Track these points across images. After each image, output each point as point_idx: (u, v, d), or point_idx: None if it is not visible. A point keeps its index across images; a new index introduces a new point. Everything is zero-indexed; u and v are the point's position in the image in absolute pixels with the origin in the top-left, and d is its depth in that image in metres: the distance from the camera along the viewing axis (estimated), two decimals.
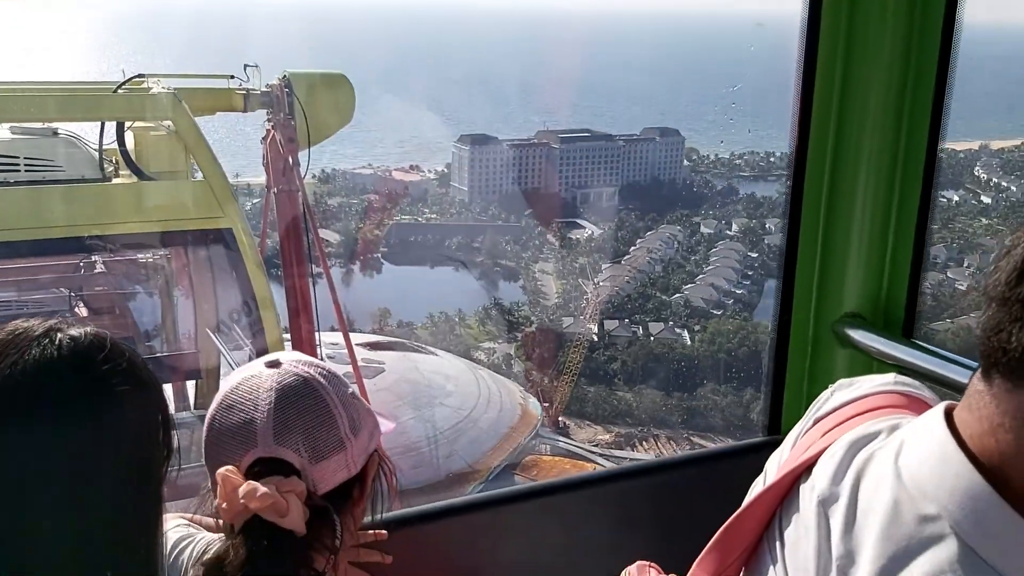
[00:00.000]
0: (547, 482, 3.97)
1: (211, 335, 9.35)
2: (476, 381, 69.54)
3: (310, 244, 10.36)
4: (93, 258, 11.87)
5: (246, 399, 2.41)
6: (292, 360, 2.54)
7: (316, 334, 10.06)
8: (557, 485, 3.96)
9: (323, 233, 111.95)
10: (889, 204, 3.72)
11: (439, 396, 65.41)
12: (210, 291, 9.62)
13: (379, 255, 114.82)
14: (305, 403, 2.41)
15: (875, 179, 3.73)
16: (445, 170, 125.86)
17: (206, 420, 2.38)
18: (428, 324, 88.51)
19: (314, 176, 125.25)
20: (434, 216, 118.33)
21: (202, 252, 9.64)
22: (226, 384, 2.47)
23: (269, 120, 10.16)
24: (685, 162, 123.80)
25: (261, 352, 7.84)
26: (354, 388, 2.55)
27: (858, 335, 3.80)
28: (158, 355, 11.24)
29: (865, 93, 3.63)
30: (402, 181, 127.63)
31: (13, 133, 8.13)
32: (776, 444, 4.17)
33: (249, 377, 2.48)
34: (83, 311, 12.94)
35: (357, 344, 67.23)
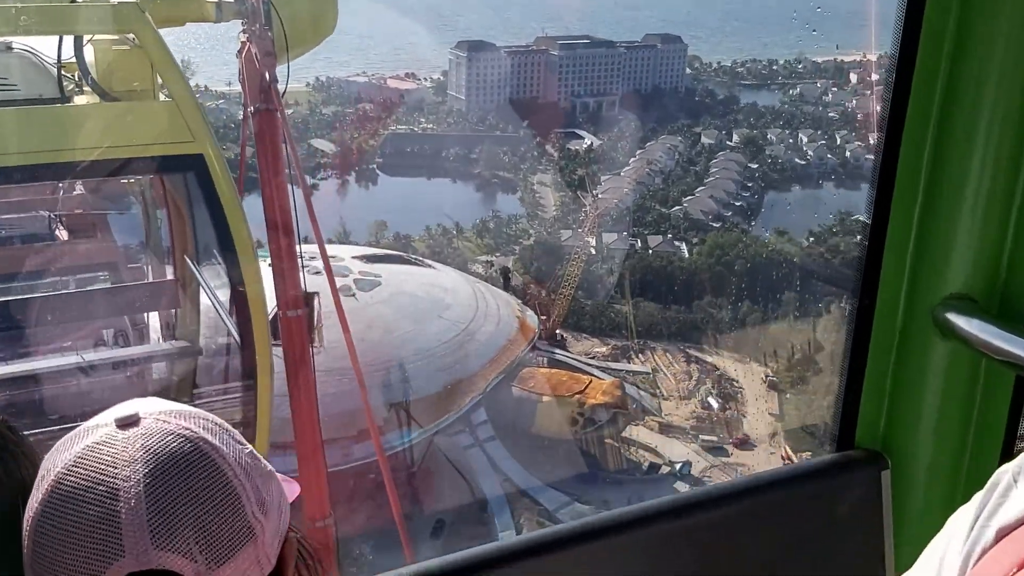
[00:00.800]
0: (601, 520, 3.22)
1: (189, 262, 8.85)
2: (474, 294, 69.57)
3: (289, 163, 9.77)
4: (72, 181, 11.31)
5: (97, 482, 1.55)
6: (157, 412, 1.66)
7: (296, 247, 9.57)
8: (604, 526, 3.19)
9: (317, 143, 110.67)
10: (1017, 164, 2.99)
11: (437, 309, 65.44)
12: (183, 219, 9.10)
13: (375, 166, 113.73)
14: (193, 478, 1.59)
15: (997, 134, 2.99)
16: (442, 78, 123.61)
17: (27, 518, 1.57)
18: (425, 236, 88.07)
19: (308, 84, 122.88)
20: (431, 126, 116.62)
21: (172, 179, 9.04)
22: (55, 459, 1.62)
23: (244, 32, 9.42)
24: (687, 70, 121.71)
25: (236, 285, 7.32)
26: (250, 447, 1.79)
27: (965, 322, 3.04)
28: (140, 282, 10.74)
29: (989, 32, 2.91)
30: (397, 89, 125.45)
31: None
32: (852, 464, 3.34)
33: (95, 446, 1.60)
34: (63, 234, 12.39)
35: (353, 257, 67.06)
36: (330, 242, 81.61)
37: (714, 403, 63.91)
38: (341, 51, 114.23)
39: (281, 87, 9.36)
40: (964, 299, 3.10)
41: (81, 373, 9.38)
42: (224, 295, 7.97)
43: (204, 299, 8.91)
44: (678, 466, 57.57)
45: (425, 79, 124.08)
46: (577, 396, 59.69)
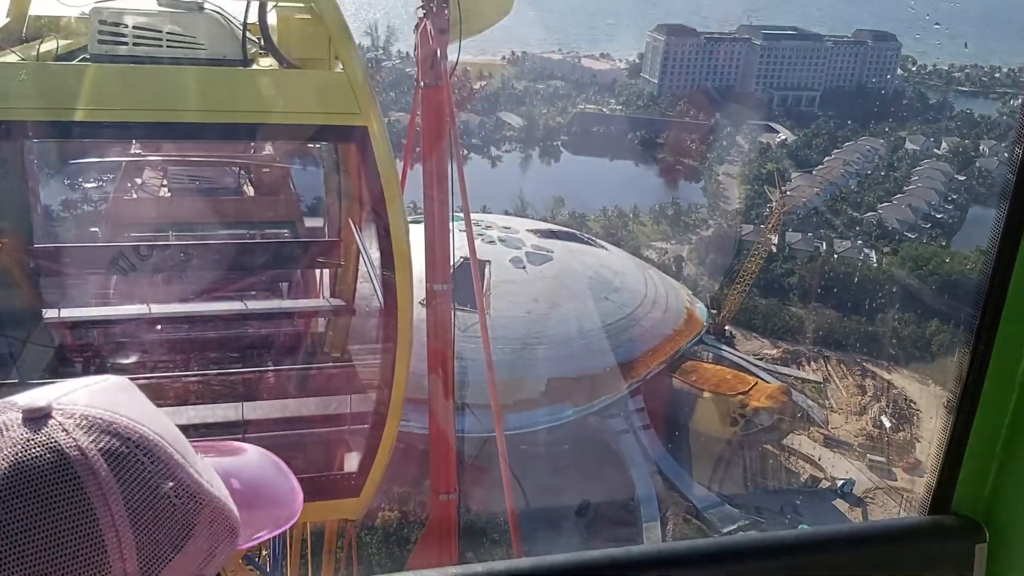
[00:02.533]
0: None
1: (352, 226, 9.27)
2: (644, 280, 68.88)
3: (452, 137, 9.91)
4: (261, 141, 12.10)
5: None
6: (70, 415, 1.45)
7: (449, 222, 9.71)
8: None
9: (506, 116, 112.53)
10: None
11: (605, 290, 65.32)
12: (348, 185, 9.53)
13: (559, 143, 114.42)
14: (48, 514, 1.36)
15: None
16: (637, 60, 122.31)
17: None
18: (600, 217, 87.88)
19: (503, 58, 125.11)
20: (620, 107, 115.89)
21: (338, 147, 9.46)
22: None
23: (422, 7, 9.56)
24: (899, 71, 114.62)
25: (387, 255, 7.56)
26: (196, 476, 1.53)
27: None
28: (309, 239, 11.41)
29: None
30: (590, 69, 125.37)
31: (160, 5, 8.03)
32: (944, 531, 2.83)
33: None
34: (250, 190, 13.25)
35: (528, 230, 67.96)
36: (506, 214, 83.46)
37: (887, 422, 60.48)
38: (539, 28, 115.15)
39: (453, 62, 9.51)
40: None
41: (244, 319, 10.07)
42: (378, 262, 8.28)
43: (362, 263, 9.33)
44: (840, 483, 54.99)
45: (620, 60, 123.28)
46: (740, 396, 58.10)
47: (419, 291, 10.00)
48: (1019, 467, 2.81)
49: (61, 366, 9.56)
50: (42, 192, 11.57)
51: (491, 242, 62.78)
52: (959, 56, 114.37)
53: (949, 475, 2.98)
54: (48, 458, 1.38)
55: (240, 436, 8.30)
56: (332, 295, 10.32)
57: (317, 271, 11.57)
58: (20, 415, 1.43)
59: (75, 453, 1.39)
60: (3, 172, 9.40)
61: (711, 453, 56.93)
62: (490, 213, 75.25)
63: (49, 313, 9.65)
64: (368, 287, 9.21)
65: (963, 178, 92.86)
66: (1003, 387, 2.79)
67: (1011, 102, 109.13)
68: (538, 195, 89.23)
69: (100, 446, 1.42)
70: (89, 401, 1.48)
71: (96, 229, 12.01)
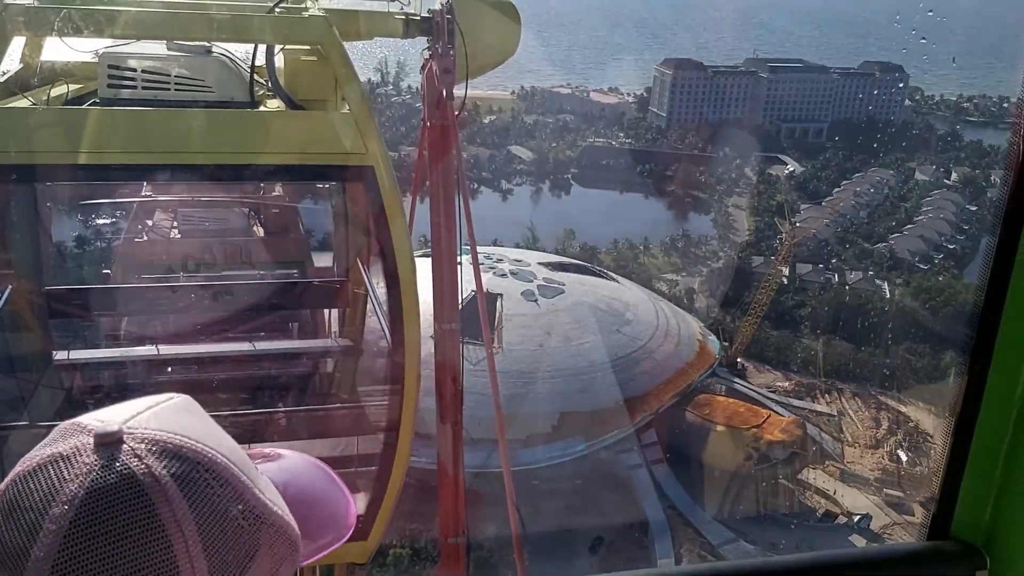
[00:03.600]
0: None
1: (360, 266, 9.32)
2: (655, 312, 68.77)
3: (459, 178, 10.01)
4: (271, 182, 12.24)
5: (28, 508, 1.40)
6: (142, 438, 1.46)
7: (457, 264, 9.76)
8: None
9: (516, 150, 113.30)
10: None
11: (616, 323, 65.24)
12: (355, 225, 9.61)
13: (569, 175, 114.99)
14: (126, 542, 1.36)
15: None
16: (644, 94, 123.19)
17: None
18: (611, 249, 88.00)
19: (513, 92, 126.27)
20: (629, 140, 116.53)
21: (344, 187, 9.54)
22: (31, 453, 1.49)
23: (428, 48, 9.71)
24: (906, 102, 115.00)
25: (394, 295, 7.57)
26: (259, 498, 1.54)
27: None
28: (316, 280, 11.48)
29: None
30: (599, 102, 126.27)
31: (168, 49, 8.14)
32: (943, 556, 2.78)
33: (54, 460, 1.44)
34: (260, 231, 13.35)
35: (539, 263, 68.09)
36: (517, 247, 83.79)
37: (903, 455, 59.82)
38: (547, 63, 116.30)
39: (460, 102, 9.60)
40: None
41: (253, 361, 10.07)
42: (385, 303, 8.29)
43: (370, 303, 9.35)
44: (856, 518, 54.28)
45: (628, 94, 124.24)
46: (754, 430, 57.61)
47: (430, 327, 10.07)
48: (1018, 491, 2.76)
49: (71, 408, 9.57)
50: (54, 234, 11.67)
51: (503, 275, 62.88)
52: (967, 87, 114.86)
53: (948, 499, 2.94)
54: (123, 486, 1.38)
55: None
56: (340, 335, 10.33)
57: (325, 311, 11.57)
58: (92, 439, 1.43)
59: (149, 480, 1.40)
60: (15, 215, 9.49)
61: (725, 488, 56.36)
62: (501, 246, 75.48)
63: (59, 355, 9.67)
64: (377, 327, 9.22)
65: (974, 208, 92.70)
66: (1000, 410, 2.75)
67: (1021, 131, 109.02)
68: (549, 228, 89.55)
69: (172, 471, 1.42)
70: (158, 424, 1.49)
71: (108, 271, 12.08)
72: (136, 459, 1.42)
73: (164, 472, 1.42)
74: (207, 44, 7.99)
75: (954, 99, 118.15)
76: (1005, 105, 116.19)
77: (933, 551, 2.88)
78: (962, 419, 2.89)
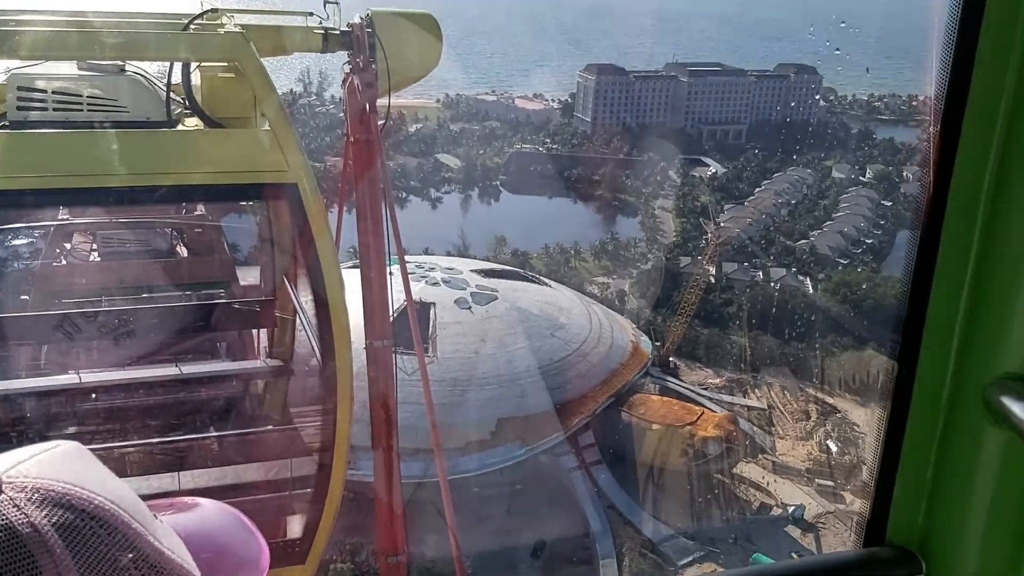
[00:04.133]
0: None
1: (287, 284, 9.13)
2: (588, 315, 69.30)
3: (385, 192, 9.90)
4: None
5: None
6: (22, 488, 1.38)
7: (388, 279, 9.66)
8: None
9: (444, 158, 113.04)
10: None
11: (550, 328, 65.50)
12: (281, 242, 9.41)
13: (498, 182, 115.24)
14: None
15: None
16: (569, 99, 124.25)
17: None
18: (543, 254, 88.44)
19: (438, 100, 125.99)
20: (555, 146, 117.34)
21: (268, 205, 9.35)
22: None
23: (348, 63, 9.62)
24: (821, 102, 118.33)
25: (323, 312, 7.44)
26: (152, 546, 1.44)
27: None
28: (243, 300, 11.16)
29: None
30: (524, 109, 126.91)
31: (79, 69, 7.86)
32: (880, 563, 2.75)
33: None
34: (183, 251, 12.99)
35: (472, 271, 68.01)
36: (449, 255, 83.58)
37: (832, 446, 61.34)
38: (471, 71, 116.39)
39: (383, 116, 9.52)
40: (1021, 380, 2.52)
41: (179, 385, 9.82)
42: (314, 319, 8.17)
43: (299, 322, 9.21)
44: (791, 509, 55.45)
45: (552, 100, 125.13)
46: (688, 427, 58.41)
47: (362, 341, 9.95)
48: (950, 494, 2.75)
49: None
50: None
51: (435, 284, 62.63)
52: (878, 87, 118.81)
53: (881, 505, 2.90)
54: (1, 537, 1.30)
55: None
56: (270, 355, 10.14)
57: (254, 331, 11.35)
58: None
59: (28, 531, 1.31)
60: None
61: (663, 485, 57.02)
62: (433, 255, 75.15)
63: None
64: (307, 346, 9.08)
65: (889, 203, 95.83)
66: (929, 413, 2.72)
67: (930, 128, 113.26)
68: (480, 235, 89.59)
69: (54, 521, 1.34)
70: (40, 472, 1.40)
71: (25, 297, 11.62)
72: (15, 509, 1.33)
73: (45, 522, 1.33)
74: (120, 63, 7.78)
75: (866, 98, 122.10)
76: (914, 103, 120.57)
77: (869, 558, 2.87)
78: (892, 424, 2.85)
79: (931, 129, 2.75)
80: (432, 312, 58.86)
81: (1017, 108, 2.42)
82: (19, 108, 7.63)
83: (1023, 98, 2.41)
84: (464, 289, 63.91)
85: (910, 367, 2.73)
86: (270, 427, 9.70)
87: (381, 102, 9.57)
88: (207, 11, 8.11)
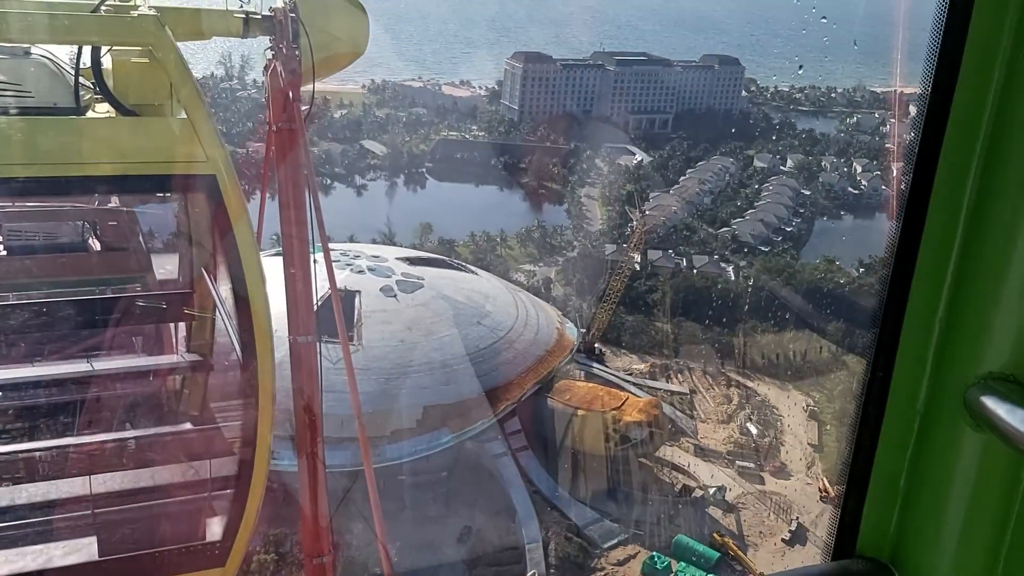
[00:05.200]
0: None
1: (206, 277, 8.78)
2: (515, 303, 69.41)
3: (309, 181, 9.59)
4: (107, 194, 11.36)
5: None
6: None
7: (312, 275, 9.43)
8: None
9: (369, 144, 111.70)
10: None
11: (477, 315, 65.38)
12: (199, 234, 9.05)
13: (424, 170, 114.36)
14: None
15: None
16: (496, 87, 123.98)
17: None
18: (469, 242, 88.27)
19: (364, 86, 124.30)
20: (482, 134, 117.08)
21: (185, 197, 8.94)
22: None
23: (271, 49, 9.26)
24: (743, 92, 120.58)
25: (243, 306, 7.21)
26: None
27: (1005, 410, 2.36)
28: (160, 292, 10.66)
29: None
30: (451, 96, 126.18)
31: None
32: (852, 574, 2.62)
33: None
34: (96, 244, 12.39)
35: (397, 258, 67.41)
36: (374, 242, 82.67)
37: (753, 429, 62.86)
38: (398, 57, 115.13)
39: (307, 104, 9.25)
40: (1004, 380, 2.40)
41: (96, 381, 9.43)
42: (234, 313, 7.92)
43: (219, 316, 8.90)
44: (712, 490, 56.67)
45: (480, 87, 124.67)
46: (613, 412, 59.03)
47: (284, 335, 9.69)
48: (923, 502, 2.63)
49: None
50: None
51: (360, 271, 61.84)
52: (799, 79, 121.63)
53: (852, 516, 2.75)
54: None
55: (91, 511, 7.75)
56: (188, 350, 9.82)
57: (171, 326, 10.97)
58: None
59: None
60: None
61: (588, 470, 57.59)
62: (358, 243, 74.21)
63: None
64: (227, 343, 8.81)
65: (808, 192, 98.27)
66: (905, 416, 2.59)
67: (847, 120, 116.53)
68: (406, 223, 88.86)
69: None
70: None
71: None
72: None
73: None
74: (25, 46, 7.37)
75: (787, 90, 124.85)
76: (833, 95, 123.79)
77: (840, 571, 2.74)
78: (864, 429, 2.72)
79: (917, 121, 2.66)
80: (357, 300, 58.16)
81: (1003, 106, 2.38)
82: None
83: (1010, 96, 2.37)
84: (390, 277, 63.31)
85: (886, 368, 2.60)
86: (188, 426, 9.41)
87: (304, 89, 9.32)
88: None
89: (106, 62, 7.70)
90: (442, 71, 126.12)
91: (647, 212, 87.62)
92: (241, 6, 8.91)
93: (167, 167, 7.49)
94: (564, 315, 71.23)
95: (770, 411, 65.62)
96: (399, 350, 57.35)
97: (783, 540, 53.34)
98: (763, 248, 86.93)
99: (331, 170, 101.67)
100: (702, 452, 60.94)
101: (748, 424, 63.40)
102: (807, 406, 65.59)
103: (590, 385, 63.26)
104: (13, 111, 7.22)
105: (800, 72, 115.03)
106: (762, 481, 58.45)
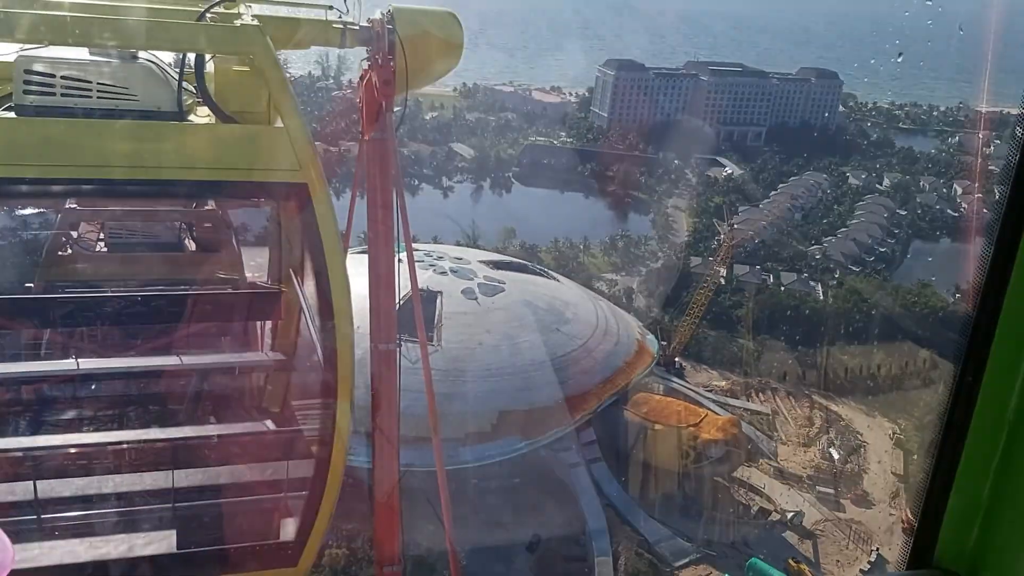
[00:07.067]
0: None
1: (294, 280, 8.95)
2: (595, 311, 68.99)
3: (398, 191, 9.65)
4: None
5: None
6: None
7: (396, 282, 9.48)
8: None
9: (458, 147, 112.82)
10: None
11: (556, 322, 65.22)
12: (290, 240, 9.22)
13: (510, 174, 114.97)
14: None
15: None
16: (586, 94, 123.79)
17: None
18: (552, 248, 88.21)
19: (455, 89, 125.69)
20: (570, 140, 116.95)
21: (278, 204, 9.12)
22: None
23: (367, 59, 9.37)
24: (840, 107, 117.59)
25: (327, 312, 7.30)
26: None
27: None
28: (248, 291, 10.89)
29: None
30: (541, 101, 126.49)
31: (92, 55, 7.62)
32: None
33: None
34: (192, 246, 12.74)
35: (480, 261, 67.76)
36: (458, 244, 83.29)
37: (835, 454, 61.11)
38: (490, 60, 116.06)
39: (399, 115, 9.30)
40: None
41: (178, 376, 9.66)
42: (317, 316, 8.01)
43: (303, 318, 9.03)
44: (790, 515, 55.27)
45: (570, 93, 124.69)
46: (691, 428, 58.12)
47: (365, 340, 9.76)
48: (1008, 513, 2.49)
49: None
50: None
51: (443, 273, 62.40)
52: (900, 95, 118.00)
53: (932, 525, 2.64)
54: None
55: (171, 504, 7.94)
56: (273, 349, 9.99)
57: (258, 325, 11.18)
58: None
59: None
60: None
61: (662, 486, 56.84)
62: (442, 244, 74.98)
63: None
64: (310, 346, 8.92)
65: (904, 213, 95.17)
66: (992, 423, 2.47)
67: (948, 140, 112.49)
68: (490, 226, 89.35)
69: None
70: None
71: (30, 284, 11.40)
72: None
73: None
74: (133, 49, 7.58)
75: (887, 106, 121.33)
76: (935, 114, 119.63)
77: None
78: (948, 435, 2.60)
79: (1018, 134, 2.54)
80: (438, 301, 58.68)
81: None
82: (25, 92, 7.43)
83: None
84: (471, 279, 63.68)
85: (976, 374, 2.47)
86: (269, 424, 9.57)
87: (397, 99, 9.39)
88: (222, 0, 7.91)
89: (208, 68, 7.87)
90: (533, 76, 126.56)
91: (735, 226, 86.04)
92: (340, 17, 9.03)
93: (262, 174, 7.63)
94: (645, 327, 70.49)
95: (854, 436, 63.67)
96: (477, 353, 57.58)
97: (861, 571, 51.64)
98: (854, 268, 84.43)
99: (419, 171, 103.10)
100: (781, 475, 59.47)
101: (830, 449, 61.65)
102: (893, 433, 63.42)
103: (668, 399, 62.44)
104: (119, 113, 7.42)
105: (899, 59, 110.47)
106: (842, 508, 56.72)
